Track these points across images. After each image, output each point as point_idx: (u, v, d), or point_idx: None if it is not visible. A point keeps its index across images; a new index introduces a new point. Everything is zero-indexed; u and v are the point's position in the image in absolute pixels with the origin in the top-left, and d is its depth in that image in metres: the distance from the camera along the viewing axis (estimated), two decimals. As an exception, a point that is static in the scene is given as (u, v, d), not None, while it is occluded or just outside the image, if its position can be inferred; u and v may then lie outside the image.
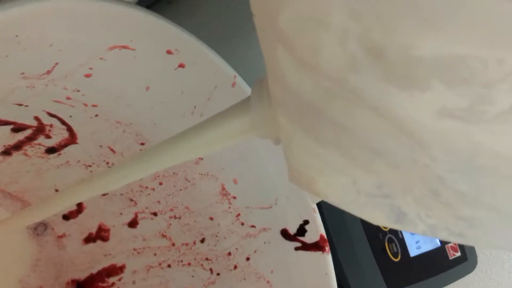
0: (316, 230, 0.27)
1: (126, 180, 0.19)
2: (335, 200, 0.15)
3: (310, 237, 0.27)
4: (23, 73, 0.20)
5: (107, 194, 0.32)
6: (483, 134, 0.10)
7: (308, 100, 0.13)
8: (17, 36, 0.16)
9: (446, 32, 0.10)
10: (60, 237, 0.35)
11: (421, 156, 0.11)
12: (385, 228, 0.35)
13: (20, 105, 0.24)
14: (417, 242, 0.36)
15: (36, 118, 0.26)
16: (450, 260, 0.37)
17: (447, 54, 0.10)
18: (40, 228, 0.34)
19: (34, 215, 0.27)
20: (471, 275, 0.38)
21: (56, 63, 0.21)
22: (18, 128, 0.26)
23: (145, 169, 0.19)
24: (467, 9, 0.09)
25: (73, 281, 0.35)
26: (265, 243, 0.28)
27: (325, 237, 0.27)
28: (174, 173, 0.29)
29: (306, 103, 0.13)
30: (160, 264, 0.32)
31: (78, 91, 0.24)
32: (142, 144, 0.28)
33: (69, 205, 0.30)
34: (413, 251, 0.35)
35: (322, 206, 0.33)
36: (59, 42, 0.19)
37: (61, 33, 0.19)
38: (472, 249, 0.39)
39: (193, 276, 0.31)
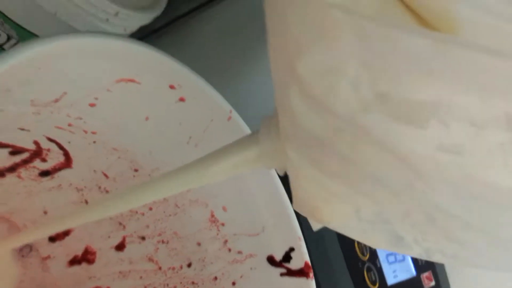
0: (301, 257, 0.28)
1: (132, 205, 0.20)
2: (337, 226, 0.16)
3: (295, 264, 0.28)
4: (32, 100, 0.22)
5: (97, 217, 0.33)
6: (475, 166, 0.12)
7: (317, 136, 0.14)
8: (39, 68, 0.18)
9: (441, 81, 0.12)
10: (45, 259, 0.35)
11: (419, 184, 0.13)
12: (364, 257, 0.36)
13: (23, 129, 0.25)
14: (394, 271, 0.37)
15: (35, 142, 0.26)
16: (423, 289, 0.39)
17: (443, 98, 0.12)
18: (26, 250, 0.34)
19: (26, 238, 0.28)
20: (442, 304, 0.39)
21: (65, 93, 0.22)
22: (16, 151, 0.27)
23: (153, 195, 0.20)
24: (458, 65, 0.11)
25: (56, 304, 0.35)
26: (251, 268, 0.29)
27: (310, 263, 0.28)
28: (164, 199, 0.30)
29: (315, 139, 0.14)
30: (145, 287, 0.33)
31: (80, 118, 0.25)
32: (136, 170, 0.29)
33: (65, 228, 0.31)
34: (390, 280, 0.37)
35: (306, 237, 0.34)
36: (72, 74, 0.20)
37: (74, 65, 0.20)
38: (445, 279, 0.41)
39: (178, 300, 0.32)
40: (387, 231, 0.15)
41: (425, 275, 0.40)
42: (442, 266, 0.41)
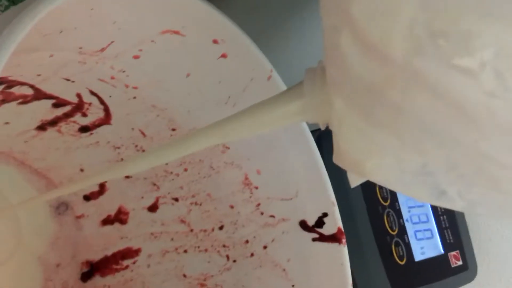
0: (334, 223, 0.28)
1: (181, 153, 0.20)
2: (380, 179, 0.16)
3: (328, 229, 0.28)
4: (80, 48, 0.22)
5: (131, 177, 0.33)
6: None
7: (368, 83, 0.14)
8: (92, 9, 0.18)
9: (501, 23, 0.11)
10: (79, 217, 0.36)
11: (471, 132, 0.13)
12: (392, 231, 0.36)
13: (68, 80, 0.25)
14: (422, 247, 0.37)
15: (78, 95, 0.27)
16: (452, 268, 0.38)
17: (503, 43, 0.11)
18: (62, 208, 0.35)
19: (62, 191, 0.28)
20: (470, 284, 0.39)
21: (112, 42, 0.22)
22: (59, 103, 0.27)
23: (194, 146, 0.20)
24: None
25: (87, 262, 0.36)
26: (283, 233, 0.29)
27: (342, 229, 0.28)
28: (200, 160, 0.31)
29: (365, 86, 0.14)
30: (176, 249, 0.33)
31: (124, 71, 0.25)
32: (173, 130, 0.30)
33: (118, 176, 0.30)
34: (418, 256, 0.36)
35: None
36: (121, 21, 0.21)
37: (124, 12, 0.20)
38: (473, 259, 0.40)
39: (209, 262, 0.32)
40: (431, 184, 0.15)
41: (452, 254, 0.39)
42: (470, 246, 0.41)
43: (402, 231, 0.37)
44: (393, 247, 0.36)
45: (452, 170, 0.14)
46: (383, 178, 0.16)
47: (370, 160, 0.16)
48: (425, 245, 0.38)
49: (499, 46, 0.11)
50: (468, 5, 0.12)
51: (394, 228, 0.37)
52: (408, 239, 0.37)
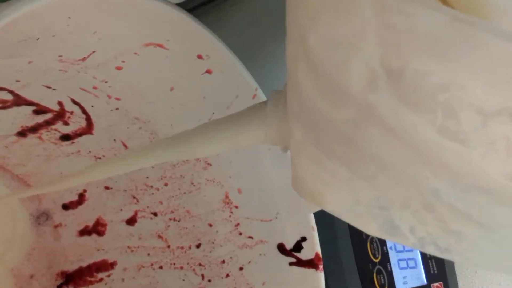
0: (313, 248, 0.27)
1: (133, 166, 0.20)
2: (333, 208, 0.16)
3: (305, 254, 0.27)
4: (60, 56, 0.22)
5: (111, 188, 0.33)
6: (475, 157, 0.12)
7: (323, 114, 0.14)
8: (69, 18, 0.18)
9: (454, 63, 0.11)
10: (57, 226, 0.35)
11: (422, 169, 0.12)
12: (375, 258, 0.36)
13: (49, 87, 0.25)
14: (404, 277, 0.36)
15: (59, 103, 0.27)
16: (434, 299, 0.38)
17: (454, 82, 0.11)
18: (42, 218, 0.34)
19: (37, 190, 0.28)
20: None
21: (93, 51, 0.22)
22: (40, 110, 0.27)
23: (152, 160, 0.19)
24: (475, 49, 0.11)
25: (62, 273, 0.35)
26: (260, 255, 0.29)
27: (320, 255, 0.27)
28: (181, 175, 0.30)
29: (321, 117, 0.14)
30: (152, 264, 0.33)
31: (106, 82, 0.25)
32: (155, 143, 0.29)
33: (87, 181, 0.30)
34: (400, 286, 0.36)
35: (317, 229, 0.34)
36: (102, 31, 0.20)
37: (105, 22, 0.20)
38: (455, 291, 0.39)
39: (183, 280, 0.31)
40: (383, 218, 0.15)
41: (435, 285, 0.39)
42: (454, 277, 0.40)
43: (385, 258, 0.36)
44: (374, 275, 0.35)
45: (404, 205, 0.14)
46: (337, 208, 0.16)
47: (325, 190, 0.16)
48: (408, 274, 0.37)
49: (450, 85, 0.11)
50: (419, 45, 0.11)
51: (377, 256, 0.36)
52: (391, 268, 0.36)
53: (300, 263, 0.28)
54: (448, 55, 0.11)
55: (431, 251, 0.14)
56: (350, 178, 0.14)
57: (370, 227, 0.15)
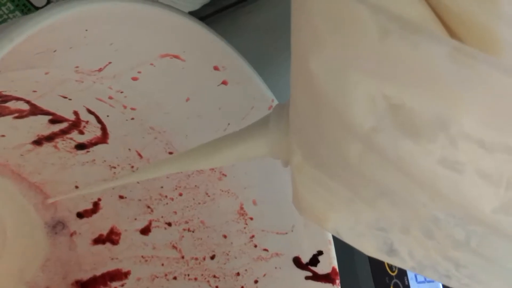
0: (329, 261, 0.27)
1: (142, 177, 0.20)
2: (333, 228, 0.15)
3: (322, 268, 0.27)
4: (77, 67, 0.21)
5: (125, 197, 0.33)
6: (470, 189, 0.12)
7: (323, 138, 0.14)
8: (86, 30, 0.17)
9: (457, 96, 0.11)
10: (72, 234, 0.35)
11: (421, 197, 0.12)
12: (392, 272, 0.35)
13: (65, 97, 0.25)
14: (422, 291, 0.36)
15: (75, 113, 0.26)
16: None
17: (455, 116, 0.11)
18: (59, 227, 0.34)
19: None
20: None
21: (109, 62, 0.22)
22: (55, 120, 0.27)
23: (158, 173, 0.20)
24: (479, 83, 0.11)
25: (77, 282, 0.35)
26: (275, 268, 0.28)
27: (337, 270, 0.27)
28: (195, 186, 0.30)
29: (321, 141, 0.14)
30: (166, 275, 0.32)
31: (122, 92, 0.25)
32: (170, 153, 0.29)
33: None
34: (417, 300, 0.35)
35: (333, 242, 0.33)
36: (118, 43, 0.20)
37: (122, 34, 0.20)
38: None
39: (197, 292, 0.31)
40: (382, 239, 0.14)
41: (456, 301, 0.38)
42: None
43: (402, 272, 0.36)
44: (391, 288, 0.34)
45: (404, 230, 0.14)
46: (336, 226, 0.15)
47: (325, 209, 0.15)
48: (426, 289, 0.36)
49: (454, 119, 0.11)
50: (418, 76, 0.11)
51: (394, 269, 0.35)
52: (408, 282, 0.36)
53: (316, 277, 0.27)
54: (447, 88, 0.11)
55: (430, 275, 0.14)
56: (350, 199, 0.14)
57: (369, 248, 0.15)
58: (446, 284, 0.14)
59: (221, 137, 0.19)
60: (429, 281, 0.37)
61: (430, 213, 0.13)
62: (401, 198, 0.13)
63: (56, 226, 0.34)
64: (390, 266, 0.35)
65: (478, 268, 0.13)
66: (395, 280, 0.35)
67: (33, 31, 0.13)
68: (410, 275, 0.36)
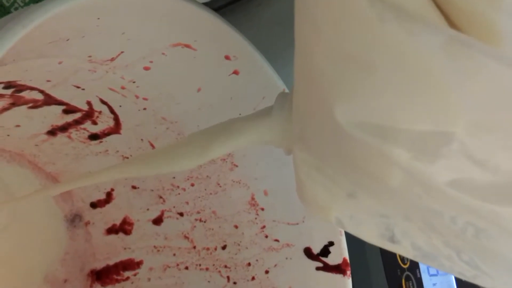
0: (340, 252, 0.27)
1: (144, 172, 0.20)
2: (335, 217, 0.15)
3: (332, 259, 0.27)
4: (90, 56, 0.22)
5: (138, 187, 0.33)
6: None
7: (323, 129, 0.13)
8: (98, 19, 0.18)
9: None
10: (86, 224, 0.35)
11: (426, 199, 0.12)
12: (404, 264, 0.35)
13: (78, 87, 0.25)
14: (434, 284, 0.35)
15: (88, 103, 0.27)
16: (465, 308, 0.36)
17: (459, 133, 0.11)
18: (77, 220, 0.35)
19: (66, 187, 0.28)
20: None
21: (122, 52, 0.22)
22: (69, 110, 0.27)
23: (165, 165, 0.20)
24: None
25: (92, 271, 0.35)
26: (286, 258, 0.28)
27: (348, 260, 0.27)
28: (207, 176, 0.30)
29: (322, 131, 0.14)
30: (178, 265, 0.33)
31: (134, 82, 0.25)
32: (182, 143, 0.29)
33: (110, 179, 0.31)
34: (429, 293, 0.35)
35: (345, 233, 0.33)
36: (130, 32, 0.20)
37: (134, 23, 0.20)
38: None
39: (209, 282, 0.31)
40: (384, 225, 0.14)
41: (468, 294, 0.37)
42: None
43: (414, 265, 0.35)
44: (403, 281, 0.34)
45: (406, 219, 0.14)
46: (340, 217, 0.15)
47: (327, 199, 0.15)
48: (438, 281, 0.36)
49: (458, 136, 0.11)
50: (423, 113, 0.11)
51: (406, 261, 0.35)
52: (420, 274, 0.35)
53: (327, 268, 0.27)
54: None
55: (431, 263, 0.14)
56: (352, 189, 0.14)
57: (370, 234, 0.15)
58: (449, 271, 0.14)
59: (225, 122, 0.19)
60: (441, 274, 0.37)
61: (428, 206, 0.13)
62: (398, 191, 0.13)
63: (74, 220, 0.35)
64: (402, 259, 0.35)
65: (480, 258, 0.13)
66: (407, 272, 0.35)
67: (45, 17, 0.14)
68: (422, 267, 0.35)
